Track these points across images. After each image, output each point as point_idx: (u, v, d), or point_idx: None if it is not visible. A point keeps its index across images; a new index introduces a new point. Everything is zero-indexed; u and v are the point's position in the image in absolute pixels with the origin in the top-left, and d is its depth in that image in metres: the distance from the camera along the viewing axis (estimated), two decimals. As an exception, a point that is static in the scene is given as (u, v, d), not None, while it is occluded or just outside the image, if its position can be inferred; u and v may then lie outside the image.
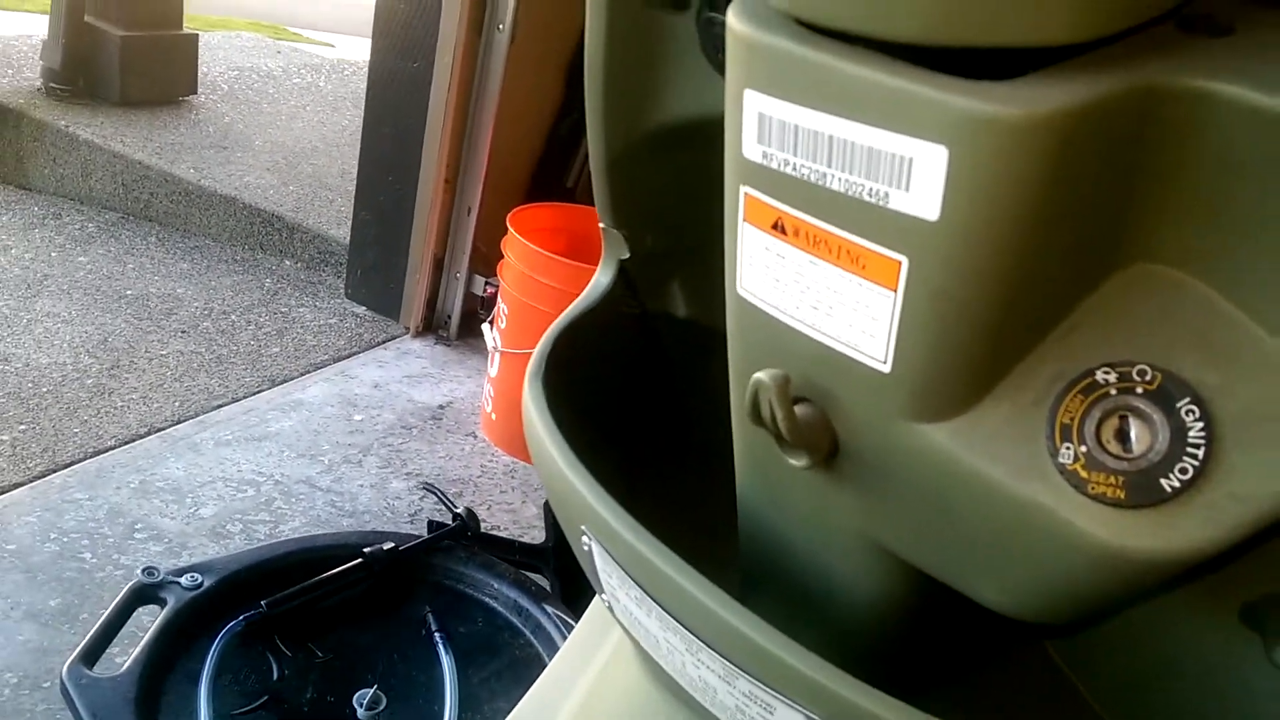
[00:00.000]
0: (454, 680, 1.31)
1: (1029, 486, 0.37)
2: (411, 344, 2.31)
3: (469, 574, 1.45)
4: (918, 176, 0.33)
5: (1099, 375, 0.37)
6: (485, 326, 2.04)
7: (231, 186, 2.66)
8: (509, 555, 1.52)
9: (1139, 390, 0.37)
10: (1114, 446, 0.37)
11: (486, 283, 2.25)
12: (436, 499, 1.74)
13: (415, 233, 2.23)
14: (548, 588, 1.50)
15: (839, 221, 0.36)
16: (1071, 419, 0.37)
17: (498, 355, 1.97)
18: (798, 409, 0.43)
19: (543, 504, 1.80)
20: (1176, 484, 0.36)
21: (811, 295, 0.39)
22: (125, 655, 1.17)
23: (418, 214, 2.21)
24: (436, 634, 1.36)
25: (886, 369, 0.38)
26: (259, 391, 2.01)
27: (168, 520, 1.63)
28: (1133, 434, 0.37)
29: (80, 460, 1.72)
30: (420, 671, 1.32)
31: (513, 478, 1.93)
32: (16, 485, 1.63)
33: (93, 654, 1.14)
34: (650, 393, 0.68)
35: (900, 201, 0.34)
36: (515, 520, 1.82)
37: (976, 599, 0.43)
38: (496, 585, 1.44)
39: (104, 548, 1.54)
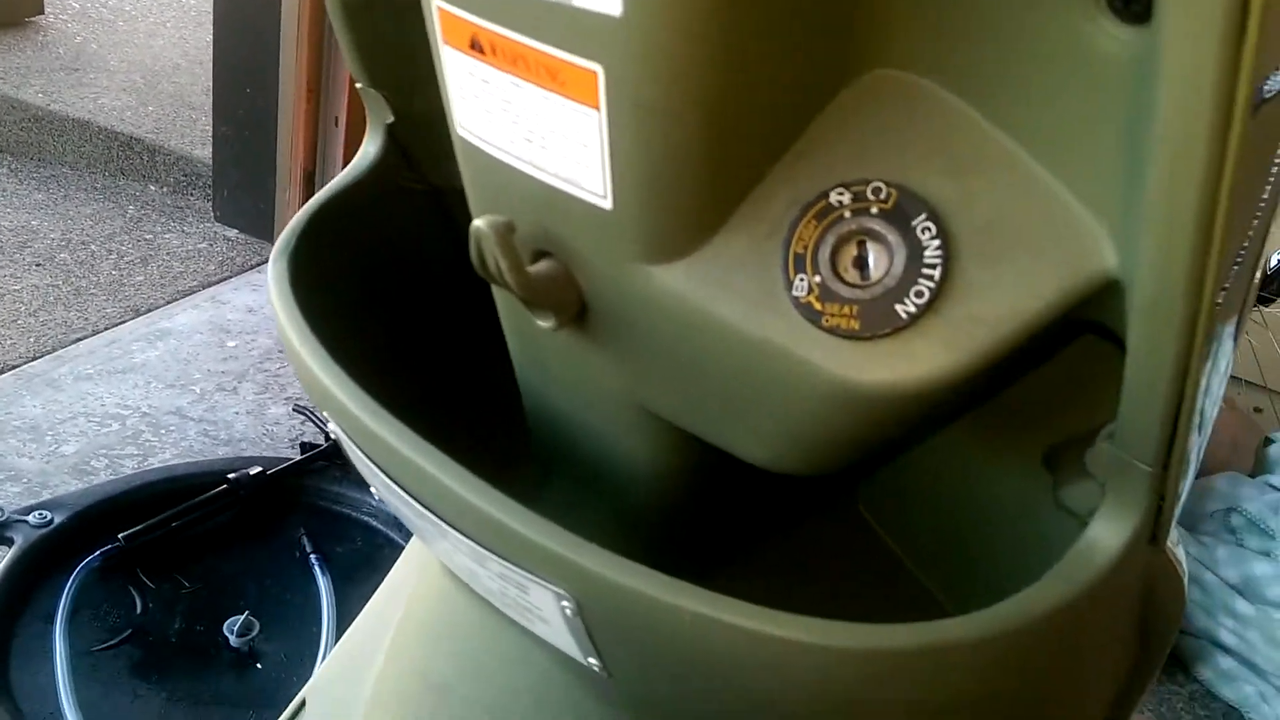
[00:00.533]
0: (331, 600, 1.28)
1: (764, 324, 0.34)
2: (288, 265, 2.22)
3: (345, 494, 1.41)
4: None
5: (833, 197, 0.34)
6: (360, 241, 1.96)
7: (85, 110, 2.49)
8: (387, 472, 1.48)
9: (874, 210, 0.33)
10: (851, 274, 0.34)
11: (362, 197, 2.16)
12: (311, 422, 1.68)
13: (281, 147, 2.12)
14: (429, 501, 1.47)
15: (530, 29, 0.32)
16: (805, 247, 0.34)
17: (373, 270, 1.90)
18: (540, 264, 0.39)
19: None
20: (912, 309, 0.33)
21: (523, 126, 0.35)
22: (-27, 601, 1.11)
23: (281, 127, 2.10)
24: (312, 556, 1.32)
25: (608, 205, 0.35)
26: (122, 322, 1.91)
27: (25, 460, 1.55)
28: (870, 259, 0.34)
29: (-74, 404, 1.62)
30: (295, 594, 1.28)
31: (397, 395, 1.88)
32: None
33: (-69, 601, 1.08)
34: (455, 279, 0.64)
35: None
36: (400, 437, 1.78)
37: (739, 455, 0.40)
38: (374, 503, 1.40)
39: (-45, 493, 1.46)
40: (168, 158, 2.41)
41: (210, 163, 2.29)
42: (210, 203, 2.32)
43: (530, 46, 0.32)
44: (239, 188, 2.24)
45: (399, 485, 0.40)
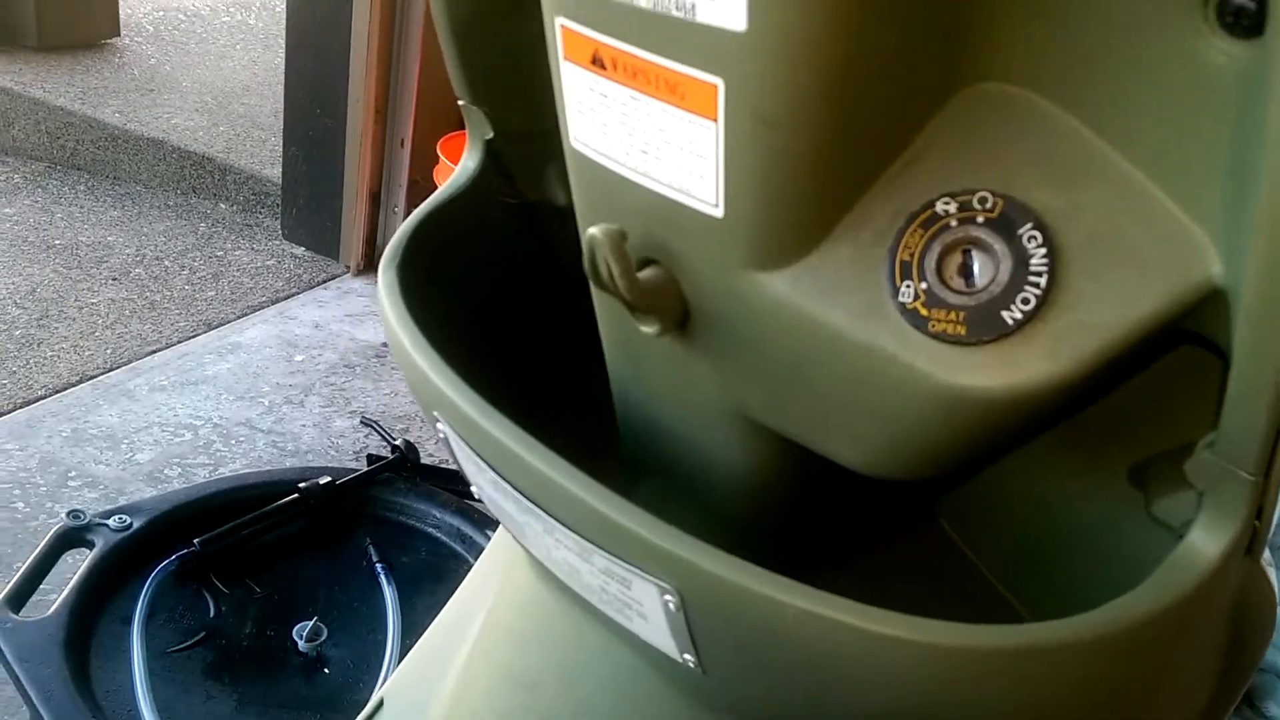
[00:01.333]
0: (396, 609, 1.30)
1: (870, 330, 0.35)
2: (353, 283, 2.27)
3: (410, 505, 1.44)
4: None
5: (939, 206, 0.35)
6: (424, 259, 2.00)
7: (159, 129, 2.58)
8: (451, 485, 1.51)
9: (980, 220, 0.34)
10: (957, 282, 0.35)
11: (425, 215, 2.20)
12: (378, 435, 1.71)
13: (348, 168, 2.17)
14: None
15: (652, 45, 0.34)
16: (911, 255, 0.35)
17: (437, 287, 1.93)
18: (646, 272, 0.41)
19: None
20: (1019, 316, 0.34)
21: (639, 138, 0.37)
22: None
23: (349, 148, 2.15)
24: (378, 565, 1.34)
25: (719, 214, 0.36)
26: (194, 336, 1.97)
27: (102, 467, 1.60)
28: (975, 267, 0.35)
29: (9, 411, 1.68)
30: (362, 603, 1.31)
31: (458, 410, 1.91)
32: (-57, 440, 1.59)
33: (18, 598, 1.12)
34: (544, 291, 0.66)
35: (707, 12, 0.31)
36: (461, 452, 1.80)
37: (838, 460, 0.41)
38: (439, 515, 1.43)
39: (37, 496, 1.51)
40: (238, 177, 2.48)
41: (279, 182, 2.35)
42: (279, 221, 2.38)
43: (652, 61, 0.34)
44: (306, 207, 2.30)
45: (509, 483, 0.41)
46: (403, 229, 0.52)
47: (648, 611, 0.41)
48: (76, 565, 1.20)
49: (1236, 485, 0.36)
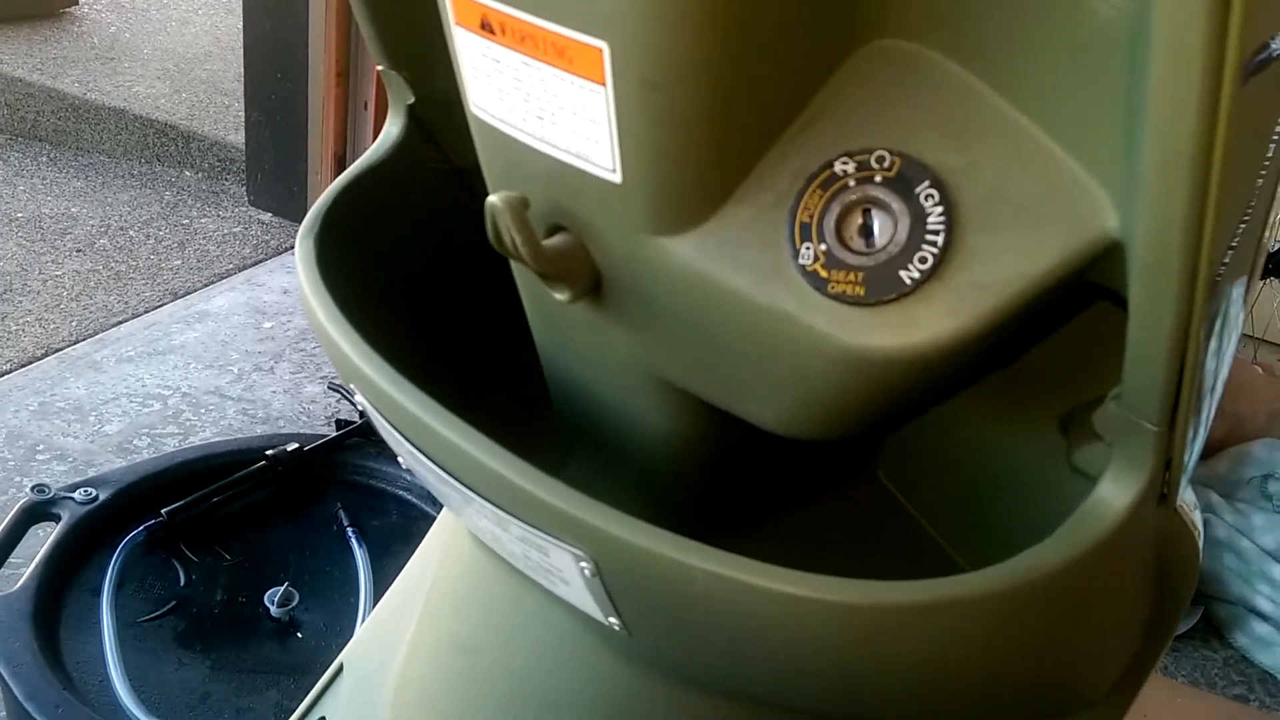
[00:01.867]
0: (368, 572, 1.30)
1: (771, 292, 0.35)
2: (322, 247, 2.24)
3: (380, 469, 1.44)
4: None
5: (837, 166, 0.35)
6: (391, 222, 1.98)
7: (120, 98, 2.53)
8: (421, 448, 1.51)
9: (878, 179, 0.34)
10: (857, 242, 0.35)
11: (392, 177, 2.18)
12: (348, 400, 1.71)
13: (312, 131, 2.14)
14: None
15: (537, 8, 0.33)
16: (811, 216, 0.35)
17: (404, 250, 1.92)
18: (555, 239, 0.40)
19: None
20: (916, 275, 0.34)
21: (535, 103, 0.36)
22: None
23: (311, 111, 2.12)
24: (349, 529, 1.35)
25: (618, 179, 0.36)
26: (161, 305, 1.95)
27: (71, 440, 1.59)
28: (875, 227, 0.35)
29: (-25, 387, 1.67)
30: (334, 567, 1.31)
31: (430, 373, 1.90)
32: (-92, 417, 1.58)
33: (-16, 576, 1.12)
34: (481, 257, 0.65)
35: None
36: (433, 415, 1.80)
37: (753, 422, 0.41)
38: (409, 477, 1.43)
39: (5, 471, 1.50)
40: (202, 144, 2.45)
41: (243, 148, 2.32)
42: (244, 187, 2.35)
43: (538, 25, 0.33)
44: (271, 172, 2.27)
45: (423, 453, 0.41)
46: (322, 198, 0.51)
47: (568, 578, 0.41)
48: (46, 539, 1.20)
49: (1142, 436, 0.36)
